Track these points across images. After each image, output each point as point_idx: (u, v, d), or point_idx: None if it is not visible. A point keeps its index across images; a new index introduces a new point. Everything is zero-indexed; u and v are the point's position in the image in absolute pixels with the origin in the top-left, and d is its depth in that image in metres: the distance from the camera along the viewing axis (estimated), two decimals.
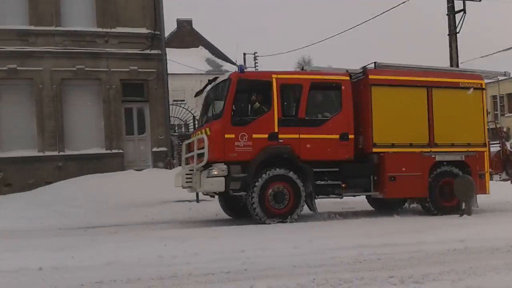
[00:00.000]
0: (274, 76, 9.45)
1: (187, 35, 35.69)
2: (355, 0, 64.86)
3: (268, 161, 9.12)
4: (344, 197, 9.95)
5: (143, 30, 15.86)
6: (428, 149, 10.06)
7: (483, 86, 10.71)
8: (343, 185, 9.54)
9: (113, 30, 15.53)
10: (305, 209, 9.47)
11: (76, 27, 15.17)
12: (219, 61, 35.64)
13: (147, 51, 15.68)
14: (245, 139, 9.06)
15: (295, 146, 9.30)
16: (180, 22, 36.37)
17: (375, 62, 10.78)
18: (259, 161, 9.02)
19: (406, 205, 11.24)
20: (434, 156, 10.09)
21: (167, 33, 19.80)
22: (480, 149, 10.46)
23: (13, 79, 14.30)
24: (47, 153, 14.18)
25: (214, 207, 10.53)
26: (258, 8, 77.96)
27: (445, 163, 10.14)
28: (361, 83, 9.96)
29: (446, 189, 10.09)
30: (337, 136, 9.52)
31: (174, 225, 8.54)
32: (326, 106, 9.94)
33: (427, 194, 9.94)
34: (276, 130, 9.23)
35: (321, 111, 9.89)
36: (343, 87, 9.71)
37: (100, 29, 15.40)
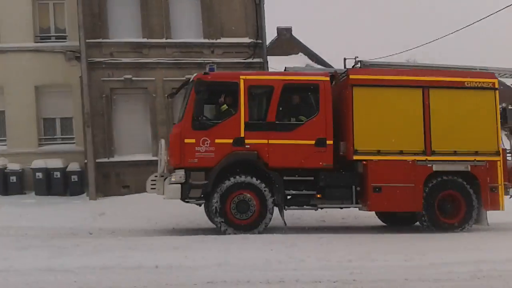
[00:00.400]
0: (242, 77, 8.97)
1: (287, 43, 36.02)
2: None
3: (233, 168, 8.58)
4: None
5: (246, 40, 16.29)
6: (424, 157, 8.90)
7: (496, 86, 9.33)
8: (318, 196, 8.75)
9: (218, 40, 16.15)
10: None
11: (184, 39, 15.98)
12: (318, 67, 35.47)
13: (250, 60, 16.06)
14: (207, 144, 8.60)
15: (263, 152, 8.65)
16: (280, 30, 36.83)
17: (360, 61, 10.11)
18: (221, 168, 8.50)
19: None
20: (430, 165, 8.89)
21: (268, 42, 20.10)
22: (492, 158, 9.05)
23: (128, 88, 15.43)
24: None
25: (317, 213, 10.51)
26: (360, 9, 75.93)
27: (445, 173, 8.96)
28: (344, 84, 9.15)
29: (447, 204, 8.99)
30: (313, 142, 8.74)
31: (279, 230, 8.58)
32: (301, 109, 9.12)
33: (421, 208, 8.83)
34: (242, 135, 8.68)
35: (295, 114, 9.11)
36: (321, 89, 8.91)
37: (206, 40, 16.09)
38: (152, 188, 9.03)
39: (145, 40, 15.59)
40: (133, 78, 15.30)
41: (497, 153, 9.09)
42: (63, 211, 11.39)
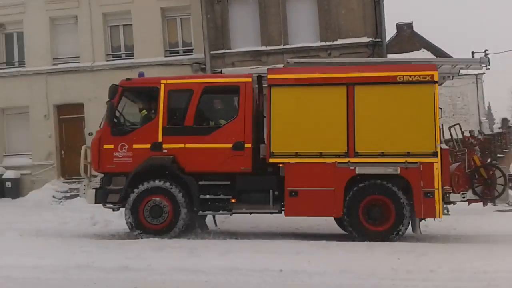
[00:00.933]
0: (163, 81, 8.79)
1: (407, 39, 34.54)
2: None
3: (150, 173, 8.40)
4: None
5: (364, 39, 15.98)
6: (345, 159, 8.07)
7: (435, 79, 8.02)
8: (233, 200, 8.31)
9: (335, 42, 16.07)
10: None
11: (301, 43, 16.17)
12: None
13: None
14: (125, 149, 8.56)
15: (180, 156, 8.45)
16: (400, 27, 35.45)
17: (286, 61, 9.51)
18: (136, 173, 8.36)
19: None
20: (353, 168, 8.05)
21: (387, 39, 19.49)
22: (427, 159, 7.90)
23: None
24: None
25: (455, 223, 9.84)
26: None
27: (372, 177, 8.03)
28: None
29: (374, 210, 8.02)
30: (230, 146, 8.37)
31: (408, 239, 8.17)
32: (221, 113, 8.78)
33: (341, 213, 8.08)
34: (160, 140, 8.54)
35: (215, 118, 8.79)
36: (241, 91, 8.50)
37: (323, 43, 16.12)
38: (83, 193, 9.13)
39: (264, 48, 16.05)
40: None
41: (434, 154, 7.94)
42: None
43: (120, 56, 17.64)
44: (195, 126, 8.66)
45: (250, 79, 8.71)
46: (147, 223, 8.42)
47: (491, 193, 8.31)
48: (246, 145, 8.44)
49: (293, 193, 8.19)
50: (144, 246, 7.43)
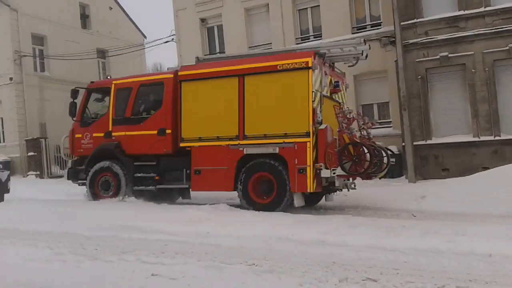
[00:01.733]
0: (113, 82, 11.07)
1: None
2: None
3: (102, 155, 10.67)
4: None
5: None
6: (236, 142, 9.38)
7: (309, 65, 8.73)
8: (156, 178, 10.12)
9: None
10: None
11: (506, 4, 14.21)
12: None
13: None
14: (88, 137, 11.01)
15: (122, 142, 10.55)
16: None
17: (197, 57, 11.22)
18: (92, 155, 10.78)
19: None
20: (242, 149, 9.33)
21: None
22: (301, 139, 8.75)
23: (444, 66, 14.79)
24: (482, 138, 13.98)
25: None
26: None
27: (258, 156, 9.17)
28: None
29: (262, 185, 9.26)
30: (155, 132, 10.14)
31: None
32: (151, 105, 10.58)
33: (233, 188, 9.39)
34: (110, 129, 10.74)
35: (147, 109, 10.60)
36: (164, 86, 10.18)
37: None
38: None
39: (461, 12, 14.59)
40: (449, 55, 14.58)
41: (307, 134, 8.74)
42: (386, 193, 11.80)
43: (309, 38, 18.05)
44: (132, 117, 10.71)
45: (172, 75, 10.30)
46: (99, 194, 10.77)
47: (358, 169, 8.97)
48: (167, 131, 10.15)
49: (197, 172, 9.76)
50: (340, 223, 7.54)
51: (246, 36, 18.74)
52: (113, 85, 11.09)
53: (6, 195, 11.24)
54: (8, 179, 11.41)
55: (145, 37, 30.51)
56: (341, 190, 9.62)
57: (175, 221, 8.09)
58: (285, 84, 9.05)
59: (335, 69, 10.43)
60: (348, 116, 9.58)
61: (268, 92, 9.21)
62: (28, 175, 20.78)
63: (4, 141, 23.03)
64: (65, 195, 13.09)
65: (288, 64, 9.06)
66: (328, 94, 9.73)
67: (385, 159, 9.56)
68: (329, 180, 8.94)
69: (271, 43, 18.29)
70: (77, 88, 11.65)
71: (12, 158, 21.58)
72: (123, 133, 10.71)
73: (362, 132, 9.70)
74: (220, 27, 19.65)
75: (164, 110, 10.31)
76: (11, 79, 22.33)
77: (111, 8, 28.00)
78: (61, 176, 20.12)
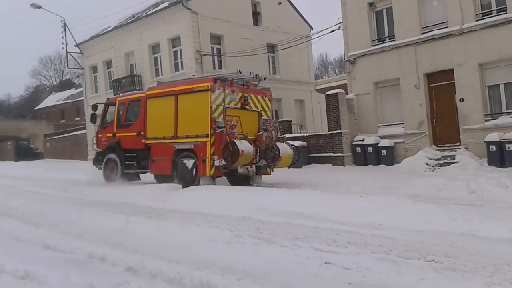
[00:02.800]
0: (118, 99, 16.32)
1: None
2: None
3: (110, 149, 15.50)
4: None
5: None
6: (172, 141, 13.45)
7: (209, 88, 12.49)
8: (136, 165, 14.89)
9: None
10: None
11: None
12: None
13: None
14: (105, 137, 15.96)
15: (121, 140, 15.28)
16: None
17: (158, 81, 17.51)
18: (105, 149, 15.75)
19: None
20: (175, 145, 13.37)
21: None
22: (204, 139, 12.55)
23: None
24: None
25: None
26: None
27: (184, 150, 13.08)
28: None
29: None
30: (135, 133, 14.63)
31: None
32: (134, 115, 15.08)
33: (171, 172, 13.46)
34: (115, 131, 15.60)
35: (132, 118, 15.19)
36: (141, 102, 14.67)
37: None
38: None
39: None
40: None
41: (207, 136, 12.48)
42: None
43: (491, 14, 16.15)
44: (125, 123, 15.31)
45: (144, 95, 14.77)
46: (109, 176, 15.24)
47: (232, 160, 12.12)
48: (141, 133, 14.45)
49: (153, 161, 14.06)
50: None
51: (418, 16, 17.57)
52: (117, 101, 16.05)
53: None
54: (193, 166, 12.58)
55: (311, 28, 30.89)
56: (246, 174, 13.27)
57: (345, 210, 8.02)
58: (197, 101, 12.85)
59: (255, 87, 14.20)
60: (267, 124, 13.79)
61: (189, 106, 13.11)
62: None
63: None
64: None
65: (198, 87, 12.95)
66: (239, 106, 13.27)
67: (282, 153, 12.96)
68: (230, 168, 12.65)
69: (446, 22, 16.85)
70: (96, 103, 16.67)
71: None
72: (121, 134, 15.38)
73: (274, 134, 13.90)
74: (389, 10, 18.77)
75: (140, 118, 14.69)
76: (193, 76, 24.71)
77: (280, 3, 28.97)
78: None
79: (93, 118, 16.45)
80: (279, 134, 14.54)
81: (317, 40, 24.94)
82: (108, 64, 31.46)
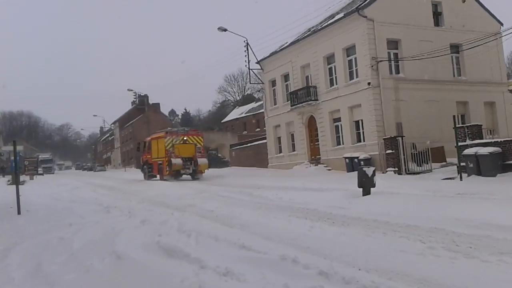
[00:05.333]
0: (149, 138, 31.29)
1: None
2: None
3: (147, 164, 31.09)
4: None
5: None
6: (158, 159, 28.92)
7: (164, 136, 28.21)
8: (150, 170, 30.60)
9: None
10: None
11: None
12: None
13: None
14: (144, 158, 31.54)
15: (147, 159, 30.98)
16: None
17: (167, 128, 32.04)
18: (143, 163, 32.24)
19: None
20: (157, 161, 29.10)
21: None
22: (163, 159, 28.00)
23: None
24: None
25: None
26: None
27: (158, 163, 29.14)
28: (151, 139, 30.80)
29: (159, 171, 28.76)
30: (150, 156, 30.53)
31: None
32: (150, 147, 30.55)
33: (157, 172, 29.25)
34: (149, 156, 30.31)
35: (149, 149, 30.64)
36: (151, 141, 30.60)
37: None
38: None
39: None
40: None
41: (164, 157, 27.22)
42: None
43: None
44: (151, 152, 29.96)
45: (162, 135, 28.69)
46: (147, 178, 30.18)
47: (170, 167, 26.63)
48: (149, 156, 30.33)
49: (152, 169, 29.96)
50: None
51: None
52: (149, 139, 30.72)
53: (372, 189, 12.19)
54: (373, 174, 12.34)
55: (501, 24, 27.77)
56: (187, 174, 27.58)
57: None
58: (163, 142, 27.70)
59: (194, 132, 29.97)
60: (198, 149, 27.93)
61: (161, 144, 28.06)
62: (387, 171, 22.04)
63: (364, 141, 25.19)
64: (424, 191, 13.19)
65: (161, 136, 28.37)
66: (182, 142, 27.59)
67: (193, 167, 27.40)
68: (175, 171, 26.76)
69: None
70: (139, 142, 30.59)
71: (372, 155, 23.40)
72: (147, 156, 30.56)
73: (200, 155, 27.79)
74: None
75: (151, 150, 29.69)
76: (369, 83, 24.22)
77: (464, 1, 26.72)
78: (418, 173, 20.49)
79: (138, 149, 32.42)
80: (202, 152, 28.47)
81: (509, 37, 22.18)
82: (286, 77, 32.83)
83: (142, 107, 69.47)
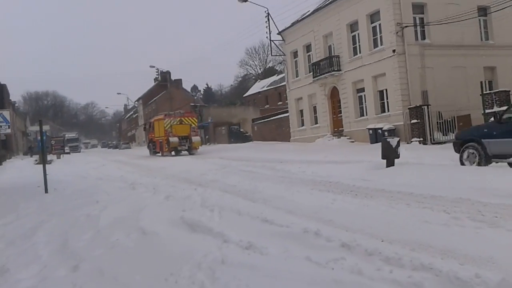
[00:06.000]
0: (153, 120, 36.14)
1: None
2: None
3: (150, 141, 37.14)
4: None
5: None
6: (159, 138, 33.55)
7: (163, 118, 32.64)
8: (154, 147, 35.63)
9: None
10: None
11: None
12: None
13: None
14: (149, 136, 37.03)
15: (152, 138, 36.02)
16: None
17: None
18: (149, 142, 38.39)
19: None
20: (159, 140, 33.98)
21: None
22: (164, 138, 32.15)
23: None
24: None
25: None
26: None
27: (160, 141, 34.10)
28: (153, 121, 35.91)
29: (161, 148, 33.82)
30: (154, 135, 35.60)
31: None
32: (153, 127, 35.20)
33: (159, 149, 34.30)
34: (152, 136, 35.66)
35: (152, 129, 35.56)
36: (154, 122, 35.23)
37: None
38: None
39: None
40: None
41: (164, 136, 31.62)
42: None
43: None
44: (151, 130, 35.62)
45: (153, 120, 36.22)
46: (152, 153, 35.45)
47: (168, 144, 31.17)
48: (153, 135, 35.21)
49: (154, 146, 34.83)
50: None
51: None
52: (152, 120, 35.91)
53: (396, 160, 12.03)
54: (398, 145, 12.15)
55: None
56: (183, 150, 31.53)
57: None
58: (163, 124, 31.81)
59: (189, 114, 35.01)
60: (193, 129, 32.12)
61: (161, 125, 32.11)
62: (412, 141, 21.73)
63: (388, 111, 24.79)
64: (449, 160, 12.98)
65: (161, 118, 33.08)
66: (179, 123, 31.51)
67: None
68: (172, 148, 31.13)
69: None
70: (145, 123, 41.71)
71: (396, 126, 23.06)
72: (151, 135, 35.37)
73: (194, 134, 32.17)
74: None
75: (154, 129, 34.41)
76: (393, 51, 23.62)
77: None
78: (444, 142, 20.14)
79: (145, 129, 41.91)
80: (196, 131, 32.50)
81: None
82: (308, 48, 32.35)
83: (165, 84, 69.84)
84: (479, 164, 10.98)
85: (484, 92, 18.95)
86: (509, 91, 20.05)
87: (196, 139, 31.72)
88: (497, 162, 11.03)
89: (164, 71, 69.39)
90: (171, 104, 56.27)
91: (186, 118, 32.36)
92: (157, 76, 71.40)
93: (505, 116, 10.93)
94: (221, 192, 9.88)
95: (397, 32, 23.30)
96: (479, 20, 25.11)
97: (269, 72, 75.17)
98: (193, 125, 32.13)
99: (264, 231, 5.89)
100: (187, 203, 8.24)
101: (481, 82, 19.75)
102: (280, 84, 55.12)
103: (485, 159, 10.96)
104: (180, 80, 79.65)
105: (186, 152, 31.19)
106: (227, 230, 5.87)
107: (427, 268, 4.22)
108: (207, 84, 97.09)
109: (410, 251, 4.79)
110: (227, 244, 5.39)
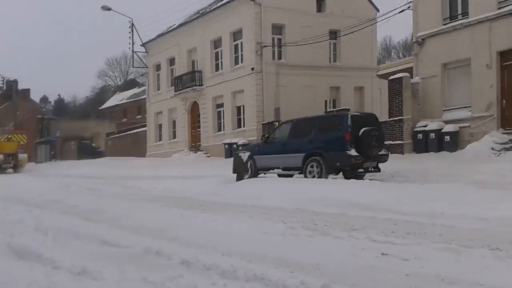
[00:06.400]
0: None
1: None
2: None
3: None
4: None
5: None
6: None
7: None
8: None
9: None
10: None
11: None
12: None
13: None
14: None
15: None
16: None
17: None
18: None
19: None
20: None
21: None
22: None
23: None
24: None
25: None
26: None
27: None
28: None
29: None
30: None
31: None
32: None
33: None
34: None
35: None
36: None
37: None
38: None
39: None
40: None
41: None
42: None
43: None
44: None
45: None
46: None
47: None
48: None
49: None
50: None
51: None
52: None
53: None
54: (248, 159, 12.65)
55: (377, 10, 29.43)
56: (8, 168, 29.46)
57: (404, 199, 7.66)
58: None
59: (19, 131, 36.21)
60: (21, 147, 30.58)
61: None
62: None
63: (244, 126, 25.74)
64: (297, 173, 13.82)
65: None
66: (6, 140, 30.84)
67: None
68: None
69: None
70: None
71: (250, 141, 23.98)
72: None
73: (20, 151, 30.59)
74: None
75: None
76: (252, 69, 24.61)
77: None
78: None
79: None
80: (23, 149, 31.65)
81: (383, 23, 23.81)
82: (171, 61, 32.14)
83: (10, 94, 63.45)
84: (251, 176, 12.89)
85: (328, 110, 20.68)
86: (349, 109, 22.12)
87: (22, 156, 31.35)
88: (265, 174, 13.58)
89: (10, 79, 63.17)
90: (15, 117, 51.30)
91: (15, 135, 32.51)
92: (2, 85, 64.71)
93: (270, 137, 13.99)
94: (60, 214, 9.18)
95: (256, 51, 24.33)
96: (330, 43, 27.23)
97: (130, 84, 72.87)
98: (22, 142, 32.08)
99: (102, 253, 5.58)
100: (18, 227, 7.49)
101: (325, 101, 21.57)
102: (141, 97, 53.88)
103: (255, 172, 13.31)
104: (29, 90, 73.00)
105: (11, 170, 29.94)
106: (60, 255, 5.43)
107: (259, 278, 4.36)
108: (59, 95, 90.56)
109: (246, 263, 4.92)
110: (57, 270, 4.98)
